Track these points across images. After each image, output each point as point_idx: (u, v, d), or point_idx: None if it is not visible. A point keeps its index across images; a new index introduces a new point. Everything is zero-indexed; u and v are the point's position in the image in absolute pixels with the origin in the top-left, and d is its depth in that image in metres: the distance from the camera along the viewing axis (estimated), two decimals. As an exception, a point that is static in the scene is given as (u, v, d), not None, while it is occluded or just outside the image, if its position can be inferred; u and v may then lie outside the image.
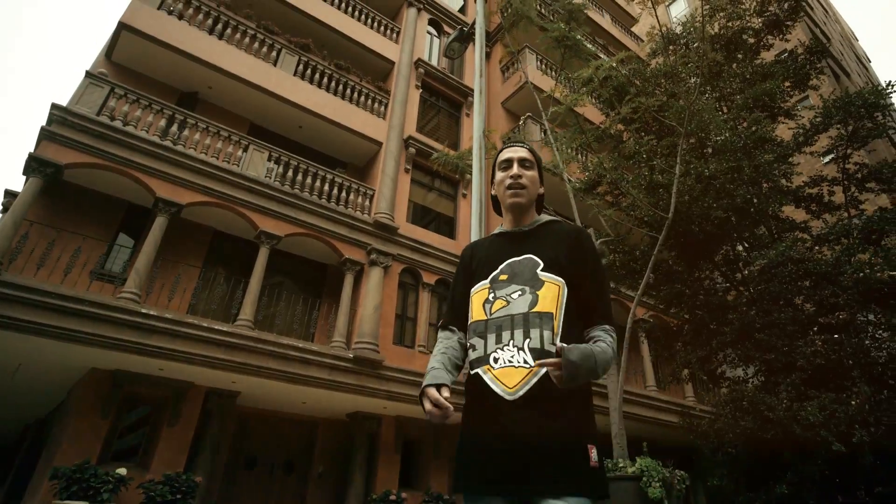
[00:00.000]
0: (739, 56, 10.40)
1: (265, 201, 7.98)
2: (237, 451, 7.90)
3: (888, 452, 6.28)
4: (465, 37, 7.31)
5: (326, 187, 8.84)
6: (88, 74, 7.43)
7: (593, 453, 1.17)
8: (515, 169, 1.50)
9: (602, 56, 10.02)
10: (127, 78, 8.36)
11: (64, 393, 7.91)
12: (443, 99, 12.47)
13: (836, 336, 7.50)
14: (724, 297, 8.45)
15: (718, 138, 8.96)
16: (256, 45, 9.30)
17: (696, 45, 9.81)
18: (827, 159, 11.26)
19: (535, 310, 1.28)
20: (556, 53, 8.93)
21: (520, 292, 1.33)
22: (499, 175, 1.54)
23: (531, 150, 1.57)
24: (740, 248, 8.92)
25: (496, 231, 1.59)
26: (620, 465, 5.14)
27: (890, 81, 8.53)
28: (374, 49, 11.32)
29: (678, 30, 10.50)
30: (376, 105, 10.69)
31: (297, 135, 10.07)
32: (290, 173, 8.53)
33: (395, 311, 8.82)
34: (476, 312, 1.37)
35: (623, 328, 7.76)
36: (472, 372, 1.31)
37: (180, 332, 6.48)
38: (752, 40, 10.57)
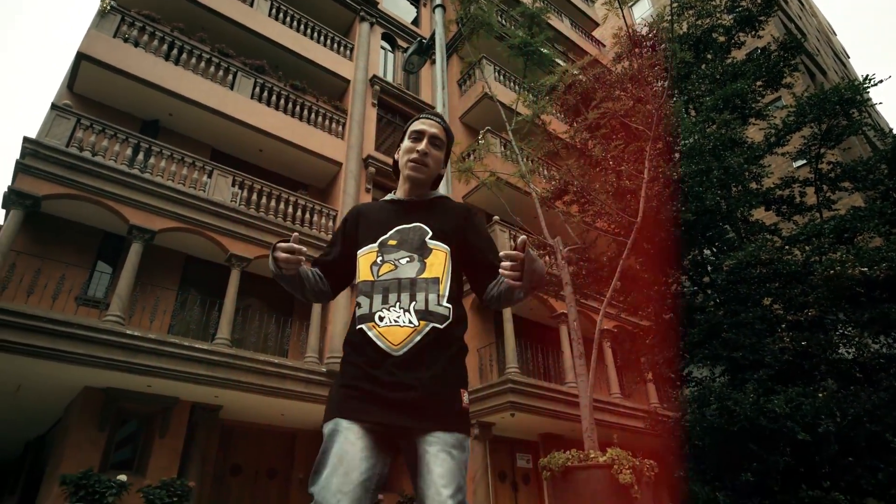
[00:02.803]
0: (709, 56, 13.51)
1: (233, 225, 10.98)
2: (223, 460, 10.99)
3: (853, 442, 8.51)
4: (424, 49, 10.24)
5: (290, 209, 11.96)
6: (54, 106, 10.26)
7: (465, 397, 1.80)
8: (424, 145, 2.03)
9: (561, 63, 13.23)
10: (90, 108, 11.37)
11: (61, 410, 10.80)
12: (400, 116, 15.91)
13: (804, 333, 9.93)
14: (692, 299, 11.47)
15: (687, 141, 12.01)
16: (212, 69, 12.45)
17: (663, 46, 12.85)
18: (799, 163, 14.48)
19: (422, 276, 1.87)
20: (515, 63, 12.07)
21: (408, 258, 1.90)
22: (406, 143, 2.07)
23: (445, 129, 2.11)
24: (708, 251, 12.03)
25: (387, 198, 2.15)
26: (592, 455, 6.68)
27: (867, 75, 10.95)
28: (328, 67, 14.78)
29: (644, 31, 13.79)
30: (334, 125, 14.03)
31: (259, 158, 13.33)
32: (254, 197, 11.62)
33: (365, 327, 11.97)
34: (363, 273, 1.92)
35: (590, 339, 10.70)
36: (357, 327, 1.84)
37: (164, 351, 9.35)
38: (722, 39, 13.47)
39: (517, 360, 12.24)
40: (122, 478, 8.73)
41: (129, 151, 10.72)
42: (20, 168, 9.56)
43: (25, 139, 9.65)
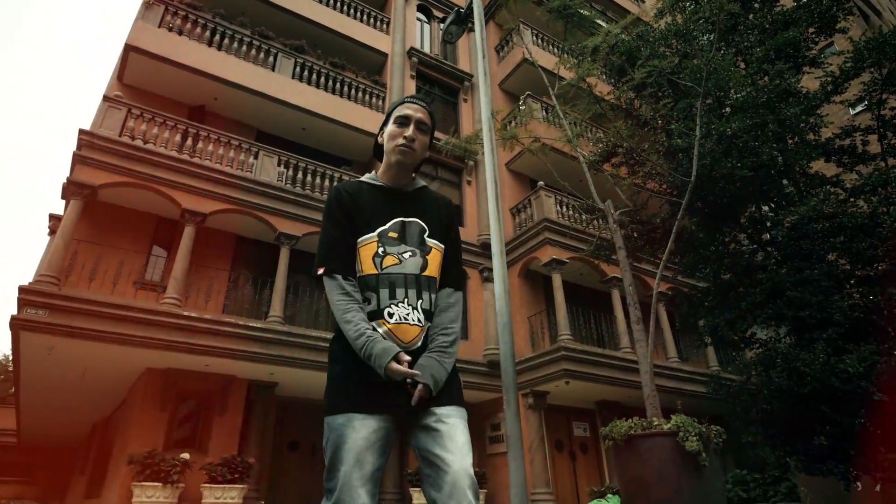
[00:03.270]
0: (756, 6, 13.10)
1: (280, 204, 11.08)
2: (280, 436, 11.17)
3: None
4: (462, 18, 10.19)
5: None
6: (106, 98, 10.59)
7: (461, 379, 1.99)
8: (411, 131, 2.02)
9: (602, 24, 12.87)
10: (140, 97, 11.62)
11: (125, 392, 11.34)
12: (438, 86, 15.94)
13: (874, 288, 9.61)
14: (752, 258, 11.05)
15: (738, 95, 11.59)
16: (254, 51, 12.59)
17: None
18: (858, 108, 13.77)
19: (424, 273, 1.92)
20: (554, 26, 11.83)
21: (411, 253, 1.93)
22: (392, 128, 2.06)
23: (430, 113, 2.11)
24: (766, 208, 11.55)
25: (370, 180, 2.12)
26: (655, 423, 6.57)
27: (931, 13, 11.06)
28: (366, 43, 14.85)
29: None
30: (374, 99, 14.06)
31: (302, 137, 13.46)
32: (299, 175, 11.71)
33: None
34: (366, 266, 1.89)
35: (644, 303, 10.49)
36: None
37: (220, 331, 9.56)
38: None
39: (569, 327, 12.03)
40: (186, 455, 9.02)
41: (178, 137, 10.91)
42: (77, 159, 9.82)
43: (81, 131, 9.91)
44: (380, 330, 1.81)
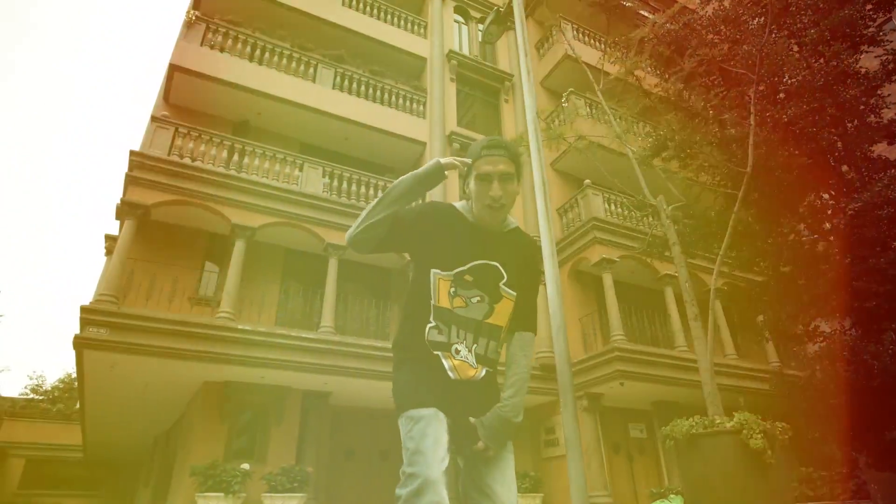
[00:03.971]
0: None
1: (327, 215, 11.05)
2: (336, 445, 11.25)
3: None
4: (501, 17, 9.99)
5: (380, 194, 11.89)
6: (154, 118, 10.75)
7: None
8: (496, 189, 1.97)
9: (647, 14, 12.49)
10: (186, 116, 11.75)
11: (184, 405, 11.52)
12: (479, 88, 15.74)
13: None
14: (813, 249, 10.53)
15: (793, 80, 11.08)
16: (294, 64, 12.63)
17: None
18: None
19: (488, 321, 2.00)
20: (596, 21, 11.56)
21: (479, 298, 2.00)
22: (476, 186, 2.00)
23: (511, 158, 2.01)
24: (826, 196, 10.97)
25: (464, 211, 2.11)
26: (717, 421, 6.39)
27: None
28: (404, 48, 14.78)
29: None
30: (415, 105, 13.96)
31: (345, 146, 13.43)
32: (344, 185, 11.67)
33: (464, 304, 11.91)
34: (443, 299, 1.99)
35: (699, 299, 10.05)
36: (435, 352, 1.97)
37: (274, 343, 9.59)
38: None
39: (622, 327, 11.71)
40: (246, 466, 9.14)
41: (224, 153, 11.00)
42: (129, 180, 9.97)
43: (132, 152, 10.04)
44: (445, 362, 1.96)
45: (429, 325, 1.99)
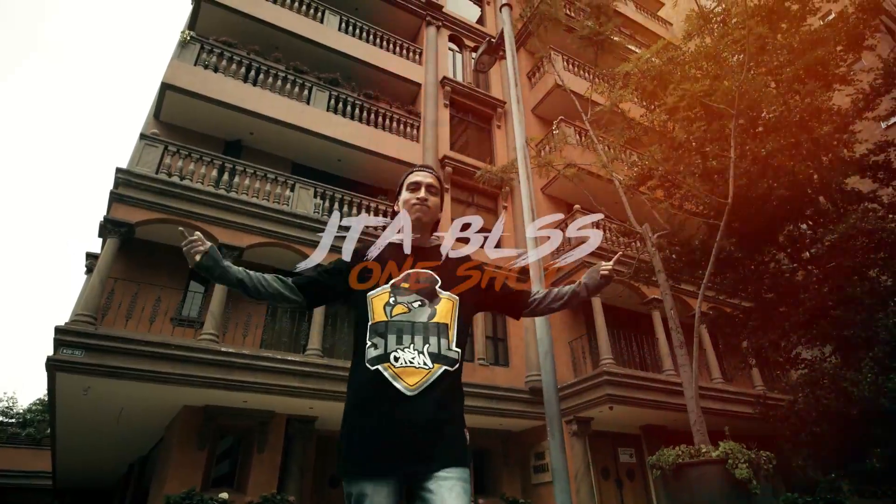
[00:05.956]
0: (784, 26, 12.75)
1: (317, 236, 10.53)
2: (322, 471, 10.69)
3: None
4: (494, 48, 9.95)
5: (372, 216, 11.62)
6: (143, 136, 10.42)
7: (467, 434, 1.95)
8: (423, 193, 2.24)
9: (633, 49, 12.61)
10: (176, 134, 11.50)
11: (162, 430, 10.91)
12: (472, 114, 15.81)
13: None
14: (793, 277, 10.55)
15: (771, 115, 11.21)
16: (289, 86, 12.47)
17: (734, 20, 12.14)
18: (891, 121, 13.36)
19: (434, 320, 1.98)
20: (585, 53, 11.57)
21: (420, 303, 2.01)
22: (406, 194, 2.27)
23: (438, 178, 2.35)
24: (804, 226, 11.05)
25: (392, 239, 2.20)
26: (703, 450, 6.25)
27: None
28: (399, 74, 14.74)
29: (711, 5, 12.99)
30: (408, 129, 13.88)
31: (338, 168, 13.26)
32: (336, 206, 11.43)
33: (451, 328, 11.69)
34: (377, 314, 1.98)
35: (685, 323, 9.94)
36: (373, 368, 1.87)
37: (258, 366, 9.23)
38: (795, 6, 12.93)
39: (611, 351, 11.61)
40: (224, 496, 8.67)
41: (214, 172, 10.73)
42: (114, 198, 9.63)
43: (118, 169, 9.73)
44: (385, 373, 1.85)
45: (366, 346, 1.95)
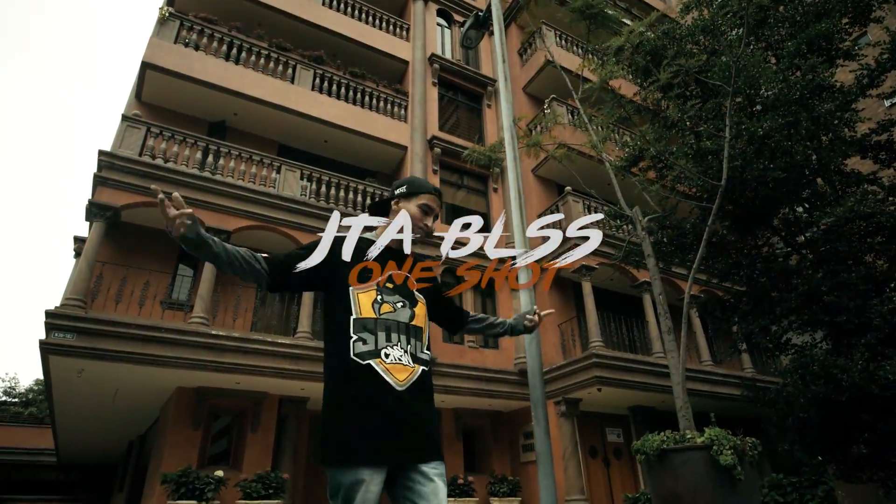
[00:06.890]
0: None
1: (304, 219, 10.73)
2: (314, 450, 10.92)
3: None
4: (481, 22, 9.65)
5: (360, 198, 11.59)
6: (125, 118, 10.26)
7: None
8: (431, 222, 2.30)
9: (627, 22, 12.25)
10: (159, 116, 11.36)
11: (157, 411, 11.26)
12: (461, 92, 15.50)
13: None
14: (786, 262, 10.45)
15: (769, 93, 10.93)
16: (272, 64, 12.25)
17: None
18: (893, 100, 13.05)
19: (413, 322, 2.08)
20: (577, 28, 11.25)
21: (402, 304, 2.10)
22: (415, 210, 2.25)
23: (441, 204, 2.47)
24: (800, 209, 10.89)
25: (367, 235, 2.24)
26: (688, 436, 6.23)
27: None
28: (386, 51, 14.41)
29: None
30: (396, 108, 13.65)
31: (325, 149, 13.10)
32: (323, 188, 11.33)
33: (442, 312, 11.81)
34: (365, 309, 2.03)
35: (676, 306, 9.95)
36: (364, 362, 1.92)
37: (249, 349, 9.32)
38: None
39: (600, 334, 11.60)
40: (220, 473, 8.89)
41: (198, 155, 10.63)
42: (98, 181, 9.58)
43: (101, 152, 9.63)
44: (377, 368, 1.91)
45: (352, 340, 1.98)
